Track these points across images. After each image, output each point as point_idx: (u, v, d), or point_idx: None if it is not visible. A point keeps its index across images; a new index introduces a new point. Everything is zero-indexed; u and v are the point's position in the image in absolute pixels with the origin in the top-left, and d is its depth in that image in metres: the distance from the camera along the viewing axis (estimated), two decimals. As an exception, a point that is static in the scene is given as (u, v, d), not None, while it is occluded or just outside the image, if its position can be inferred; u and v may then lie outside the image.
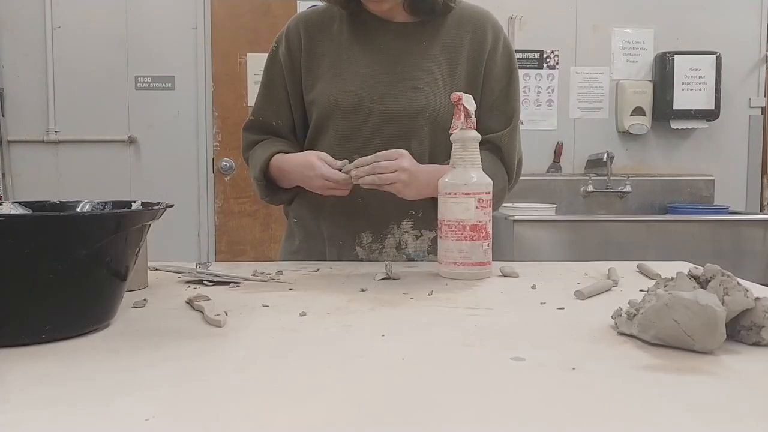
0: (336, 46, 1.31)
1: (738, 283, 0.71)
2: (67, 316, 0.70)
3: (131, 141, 3.36)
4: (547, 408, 0.51)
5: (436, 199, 1.13)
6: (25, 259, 0.65)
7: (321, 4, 1.35)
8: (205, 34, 3.38)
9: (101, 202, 0.90)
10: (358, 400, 0.53)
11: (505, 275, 1.12)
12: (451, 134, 1.11)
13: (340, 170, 1.16)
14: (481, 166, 1.11)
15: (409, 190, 1.17)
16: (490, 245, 1.11)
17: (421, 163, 1.26)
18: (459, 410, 0.51)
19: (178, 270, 1.11)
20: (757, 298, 0.70)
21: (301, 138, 1.37)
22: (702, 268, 0.75)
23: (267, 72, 1.37)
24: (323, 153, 1.20)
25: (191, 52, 3.37)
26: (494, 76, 1.31)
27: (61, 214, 0.82)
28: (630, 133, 3.33)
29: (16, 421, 0.49)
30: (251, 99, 3.31)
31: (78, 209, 0.90)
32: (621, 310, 0.76)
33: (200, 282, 1.05)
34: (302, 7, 3.26)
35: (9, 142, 3.33)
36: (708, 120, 3.33)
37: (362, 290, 0.99)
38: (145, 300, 0.90)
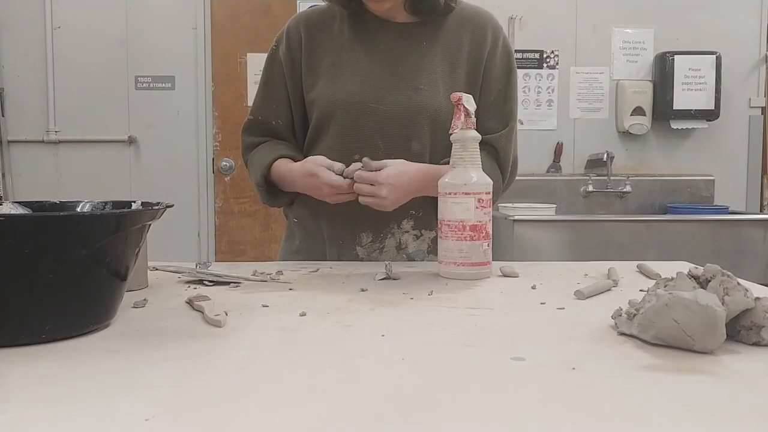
0: (337, 45, 1.31)
1: (738, 283, 0.71)
2: (67, 316, 0.70)
3: (131, 141, 3.36)
4: (547, 408, 0.51)
5: (437, 198, 1.13)
6: (25, 259, 0.65)
7: (321, 3, 1.35)
8: (205, 34, 3.38)
9: (101, 202, 0.90)
10: (358, 400, 0.53)
11: (505, 275, 1.12)
12: (451, 134, 1.11)
13: (341, 175, 1.16)
14: (481, 166, 1.11)
15: (389, 209, 1.19)
16: (490, 245, 1.11)
17: (422, 163, 1.27)
18: (459, 410, 0.51)
19: (178, 270, 1.11)
20: (757, 298, 0.70)
21: (301, 138, 1.37)
22: (702, 268, 0.75)
23: (267, 71, 1.37)
24: (319, 157, 1.20)
25: (191, 52, 3.38)
26: (493, 76, 1.31)
27: (61, 214, 0.82)
28: (630, 133, 3.33)
29: (16, 421, 0.49)
30: (251, 99, 3.30)
31: (78, 209, 0.90)
32: (621, 310, 0.76)
33: (200, 282, 1.05)
34: (302, 7, 3.26)
35: (9, 142, 3.33)
36: (708, 120, 3.33)
37: (362, 290, 0.99)
38: (145, 300, 0.90)
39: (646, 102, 3.32)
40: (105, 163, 3.36)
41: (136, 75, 3.36)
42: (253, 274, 1.10)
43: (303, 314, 0.83)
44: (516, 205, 2.91)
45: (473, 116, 1.11)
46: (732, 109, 3.38)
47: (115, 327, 0.77)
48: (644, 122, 3.32)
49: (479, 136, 1.11)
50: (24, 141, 3.34)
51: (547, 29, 3.35)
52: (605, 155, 3.21)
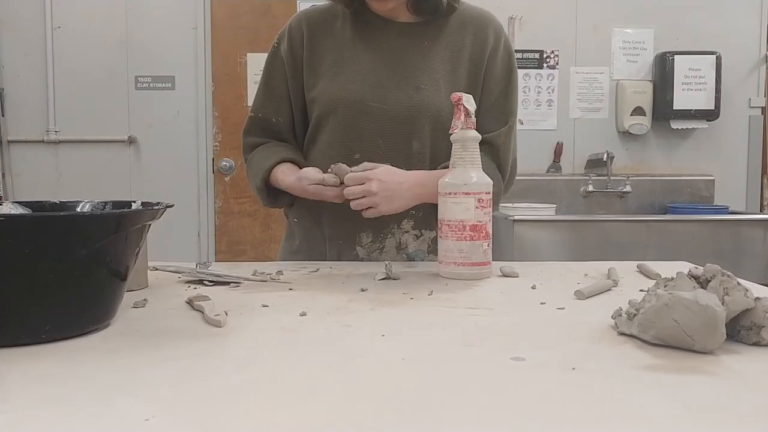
0: (338, 44, 1.31)
1: (738, 283, 0.70)
2: (67, 316, 0.70)
3: (131, 141, 3.36)
4: (547, 408, 0.51)
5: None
6: (25, 259, 0.65)
7: (322, 3, 1.35)
8: (205, 34, 3.38)
9: (101, 202, 0.90)
10: (358, 400, 0.53)
11: (505, 275, 1.12)
12: (451, 134, 1.11)
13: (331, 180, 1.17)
14: (481, 166, 1.11)
15: (382, 208, 1.18)
16: (490, 245, 1.11)
17: (422, 163, 1.27)
18: (459, 410, 0.51)
19: (178, 270, 1.11)
20: (757, 298, 0.70)
21: (301, 136, 1.37)
22: (702, 268, 0.75)
23: (268, 68, 1.37)
24: (305, 169, 1.22)
25: (191, 52, 3.38)
26: (494, 76, 1.31)
27: (61, 214, 0.82)
28: (630, 133, 3.33)
29: (16, 421, 0.49)
30: (251, 99, 3.30)
31: (78, 209, 0.90)
32: (621, 310, 0.76)
33: (200, 282, 1.05)
34: (302, 7, 3.26)
35: (9, 142, 3.33)
36: (708, 120, 3.33)
37: (362, 290, 0.99)
38: (145, 300, 0.90)
39: (646, 102, 3.32)
40: (105, 163, 3.36)
41: (136, 75, 3.36)
42: (253, 274, 1.10)
43: (303, 314, 0.83)
44: (516, 205, 2.91)
45: (473, 116, 1.11)
46: (732, 109, 3.38)
47: (115, 327, 0.77)
48: (644, 122, 3.32)
49: (479, 136, 1.11)
50: (24, 141, 3.34)
51: (547, 29, 3.35)
52: (605, 155, 3.21)
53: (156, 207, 0.79)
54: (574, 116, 3.39)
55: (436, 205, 1.14)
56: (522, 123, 3.31)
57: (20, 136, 3.34)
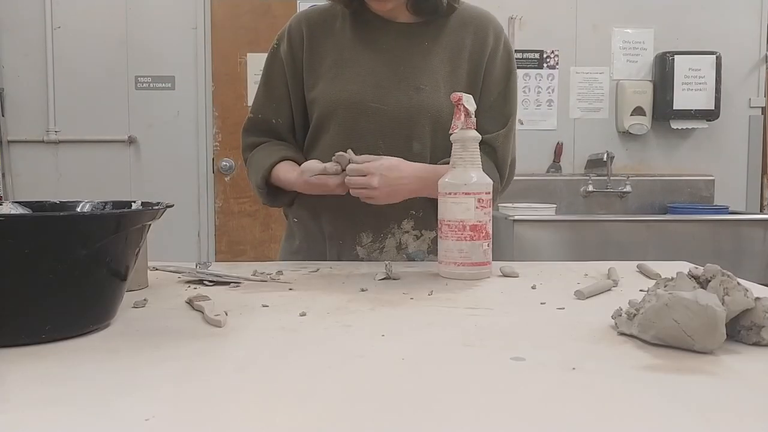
0: (338, 44, 1.31)
1: (738, 283, 0.71)
2: (67, 316, 0.70)
3: (131, 141, 3.36)
4: (547, 408, 0.51)
5: (437, 199, 1.13)
6: (25, 259, 0.65)
7: (322, 3, 1.35)
8: (205, 34, 3.38)
9: (101, 202, 0.90)
10: (358, 400, 0.53)
11: (505, 275, 1.12)
12: (451, 134, 1.11)
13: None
14: (481, 166, 1.11)
15: (380, 201, 1.19)
16: (490, 245, 1.11)
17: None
18: (459, 410, 0.51)
19: (178, 270, 1.11)
20: (757, 298, 0.70)
21: (301, 137, 1.37)
22: (702, 268, 0.75)
23: (267, 69, 1.37)
24: (307, 162, 1.21)
25: (191, 52, 3.37)
26: (494, 77, 1.31)
27: (61, 214, 0.82)
28: (630, 133, 3.33)
29: (16, 421, 0.49)
30: (251, 99, 3.30)
31: (78, 209, 0.90)
32: (621, 310, 0.76)
33: (200, 282, 1.05)
34: (302, 7, 3.26)
35: (9, 142, 3.33)
36: (708, 120, 3.33)
37: (362, 290, 0.99)
38: (145, 300, 0.90)
39: (646, 102, 3.32)
40: (105, 163, 3.36)
41: (136, 75, 3.36)
42: (253, 274, 1.10)
43: (303, 314, 0.83)
44: (516, 205, 2.91)
45: (473, 116, 1.11)
46: (732, 109, 3.38)
47: (115, 327, 0.77)
48: (644, 122, 3.32)
49: (479, 136, 1.11)
50: (24, 141, 3.34)
51: (547, 29, 3.35)
52: (605, 155, 3.21)
53: (156, 207, 0.79)
54: (574, 116, 3.39)
55: (436, 206, 1.14)
56: (522, 123, 3.31)
57: (20, 136, 3.34)
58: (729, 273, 0.72)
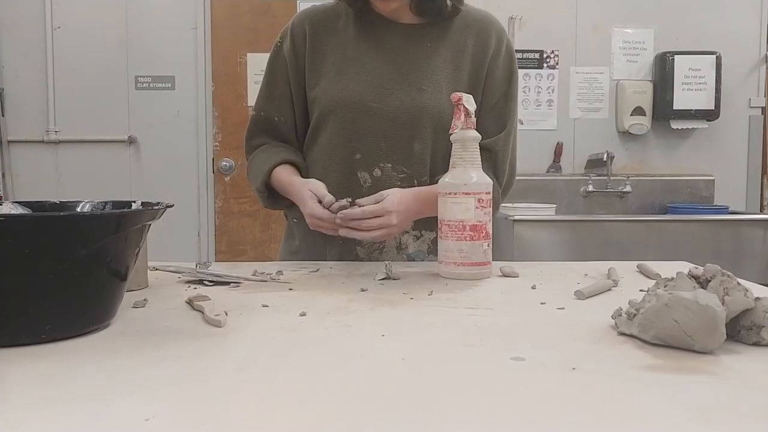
0: (341, 44, 1.31)
1: (738, 283, 0.71)
2: (67, 316, 0.70)
3: (131, 141, 3.36)
4: (547, 408, 0.51)
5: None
6: (25, 259, 0.65)
7: (323, 2, 1.35)
8: (205, 34, 3.38)
9: (101, 202, 0.90)
10: (358, 400, 0.53)
11: (505, 275, 1.12)
12: (451, 134, 1.11)
13: (329, 208, 1.14)
14: (481, 166, 1.11)
15: (395, 232, 1.19)
16: (490, 245, 1.11)
17: (423, 165, 1.27)
18: (459, 410, 0.51)
19: (178, 270, 1.11)
20: (757, 298, 0.70)
21: (302, 136, 1.37)
22: (702, 268, 0.75)
23: (270, 67, 1.37)
24: (317, 184, 1.19)
25: (191, 52, 3.38)
26: (495, 79, 1.31)
27: (61, 214, 0.82)
28: (630, 133, 3.33)
29: (16, 421, 0.49)
30: (251, 99, 3.31)
31: (78, 209, 0.90)
32: (621, 310, 0.76)
33: (200, 282, 1.05)
34: (302, 7, 3.25)
35: (9, 142, 3.34)
36: (708, 120, 3.33)
37: (362, 290, 0.99)
38: (145, 300, 0.90)
39: (646, 102, 3.32)
40: (105, 163, 3.36)
41: (136, 75, 3.36)
42: (253, 274, 1.10)
43: (303, 314, 0.83)
44: (516, 205, 2.91)
45: (473, 116, 1.11)
46: (732, 109, 3.38)
47: (115, 327, 0.77)
48: (644, 122, 3.32)
49: (479, 136, 1.11)
50: (24, 141, 3.34)
51: (547, 29, 3.35)
52: (605, 155, 3.21)
53: (156, 207, 0.79)
54: (574, 116, 3.39)
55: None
56: (522, 123, 3.31)
57: (20, 136, 3.34)
58: (729, 273, 0.72)
